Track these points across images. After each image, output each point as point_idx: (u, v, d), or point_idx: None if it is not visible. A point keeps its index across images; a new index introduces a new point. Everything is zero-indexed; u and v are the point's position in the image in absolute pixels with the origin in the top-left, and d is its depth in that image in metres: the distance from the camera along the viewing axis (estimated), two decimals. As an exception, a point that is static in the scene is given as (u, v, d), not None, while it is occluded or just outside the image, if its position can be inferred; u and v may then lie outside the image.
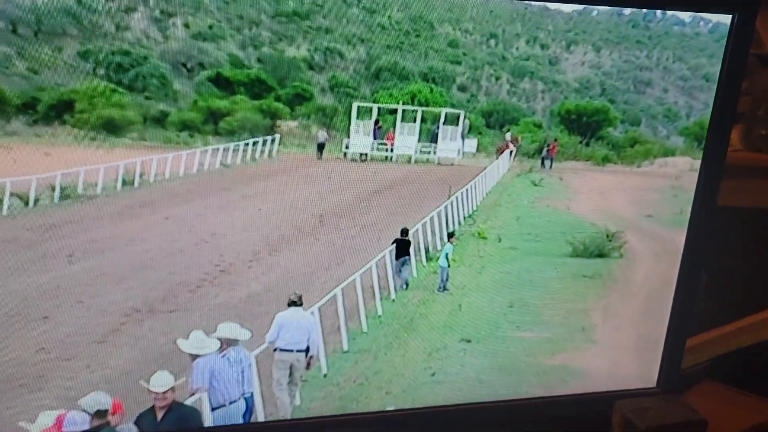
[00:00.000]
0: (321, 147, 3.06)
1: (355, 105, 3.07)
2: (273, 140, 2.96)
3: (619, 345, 1.85)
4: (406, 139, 3.19)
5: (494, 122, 3.56)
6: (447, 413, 1.53)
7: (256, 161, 2.91)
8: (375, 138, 3.14)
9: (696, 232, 1.47)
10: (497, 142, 3.38)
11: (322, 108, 3.21)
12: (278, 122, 3.06)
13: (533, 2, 3.49)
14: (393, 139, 3.15)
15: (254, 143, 2.88)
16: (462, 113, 3.29)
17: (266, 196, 2.66)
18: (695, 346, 1.66)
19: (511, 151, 3.36)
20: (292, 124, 3.12)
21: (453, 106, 3.50)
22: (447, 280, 2.40)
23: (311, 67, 3.27)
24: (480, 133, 3.48)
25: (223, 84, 3.01)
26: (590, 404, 1.55)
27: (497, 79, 3.71)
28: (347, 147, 3.11)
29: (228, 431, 1.57)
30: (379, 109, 3.19)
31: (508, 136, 3.40)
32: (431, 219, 2.74)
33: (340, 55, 3.36)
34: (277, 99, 3.07)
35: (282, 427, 1.58)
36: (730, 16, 1.34)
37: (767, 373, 1.72)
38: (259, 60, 3.11)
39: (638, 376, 1.58)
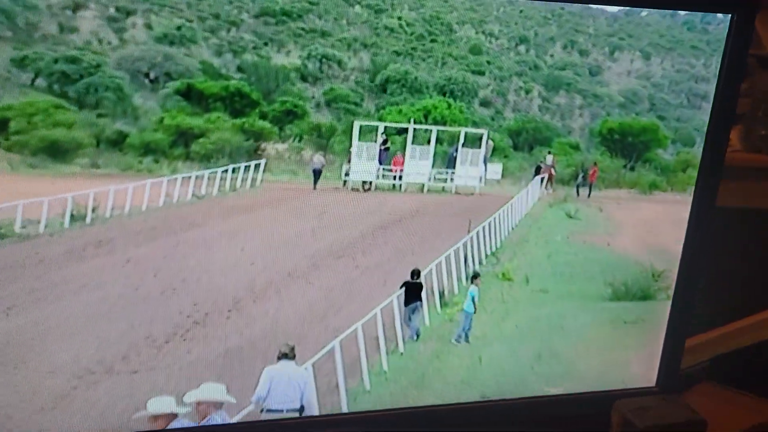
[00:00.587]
0: (317, 174, 3.25)
1: (356, 124, 3.24)
2: (257, 166, 3.16)
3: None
4: (417, 165, 3.38)
5: (523, 143, 3.76)
6: (446, 412, 1.82)
7: (237, 191, 3.10)
8: (381, 163, 3.33)
9: (695, 233, 1.77)
10: (541, 165, 3.57)
11: (317, 127, 3.44)
12: (264, 145, 3.28)
13: (552, 1, 3.62)
14: (402, 164, 3.34)
15: (234, 170, 3.06)
16: (485, 133, 3.49)
17: (249, 233, 2.80)
18: (695, 346, 1.99)
19: (542, 178, 3.55)
20: (281, 146, 3.35)
21: (475, 124, 3.73)
22: (470, 328, 2.59)
23: (304, 78, 3.50)
24: (506, 156, 3.67)
25: (195, 98, 3.20)
26: (590, 404, 1.85)
27: (527, 92, 3.95)
28: (347, 174, 3.29)
29: (228, 430, 1.77)
30: (385, 128, 3.39)
31: (549, 159, 3.59)
32: (447, 258, 2.90)
33: (339, 63, 3.60)
34: (263, 117, 3.31)
35: (286, 426, 1.83)
36: (730, 15, 1.63)
37: (767, 373, 2.07)
38: (239, 69, 3.34)
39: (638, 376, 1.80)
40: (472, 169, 3.43)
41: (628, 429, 1.69)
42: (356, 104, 3.62)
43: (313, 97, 3.53)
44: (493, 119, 3.84)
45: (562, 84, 3.93)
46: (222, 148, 3.08)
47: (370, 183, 3.35)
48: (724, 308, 2.12)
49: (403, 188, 3.39)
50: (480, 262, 3.07)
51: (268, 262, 2.75)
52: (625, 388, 1.96)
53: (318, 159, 3.27)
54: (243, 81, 3.29)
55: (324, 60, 3.59)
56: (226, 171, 3.03)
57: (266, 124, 3.29)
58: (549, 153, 3.59)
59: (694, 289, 1.86)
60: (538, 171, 3.52)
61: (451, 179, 3.44)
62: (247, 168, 3.12)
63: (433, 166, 3.41)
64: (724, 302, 2.09)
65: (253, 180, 3.15)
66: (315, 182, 3.23)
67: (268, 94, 3.34)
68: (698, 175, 1.79)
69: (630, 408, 1.72)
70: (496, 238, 3.16)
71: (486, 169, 3.44)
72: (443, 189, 3.44)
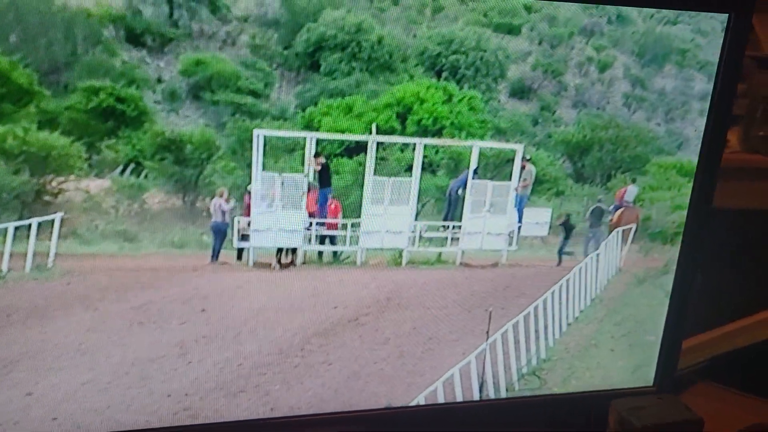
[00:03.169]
0: (219, 233, 2.31)
1: (258, 135, 2.27)
2: (44, 228, 2.12)
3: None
4: (387, 214, 2.43)
5: (593, 168, 2.71)
6: (442, 412, 2.11)
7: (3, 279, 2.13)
8: (318, 210, 2.43)
9: (692, 234, 2.16)
10: (602, 207, 2.67)
11: (171, 143, 2.28)
12: (56, 182, 2.16)
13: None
14: (338, 212, 2.46)
15: None
16: (519, 150, 2.54)
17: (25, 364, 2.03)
18: (691, 347, 2.46)
19: (624, 230, 2.68)
20: (95, 184, 2.21)
21: (499, 133, 2.63)
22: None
23: (134, 38, 2.25)
24: (559, 192, 2.66)
25: None
26: (586, 403, 2.19)
27: (603, 68, 2.80)
28: (243, 237, 2.32)
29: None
30: (319, 143, 2.42)
31: (631, 192, 2.67)
32: (444, 385, 2.31)
33: (213, 3, 2.30)
34: (47, 123, 2.12)
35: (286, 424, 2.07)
36: (727, 15, 1.97)
37: (763, 373, 2.52)
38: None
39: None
40: (494, 220, 2.50)
41: (625, 428, 1.92)
42: (255, 94, 2.40)
43: (160, 80, 2.31)
44: (535, 123, 2.69)
45: (671, 52, 2.65)
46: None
47: (292, 252, 2.39)
48: (721, 309, 2.56)
49: (359, 258, 2.45)
50: (508, 390, 2.40)
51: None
52: (622, 388, 2.24)
53: (219, 204, 2.31)
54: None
55: (179, -1, 2.62)
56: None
57: (56, 139, 2.11)
58: (632, 182, 2.63)
59: (690, 290, 2.17)
60: (599, 216, 2.62)
61: (454, 239, 2.53)
62: (20, 233, 2.08)
63: (417, 217, 2.47)
64: (721, 303, 2.53)
65: (39, 257, 2.11)
66: (215, 252, 2.31)
67: (54, 72, 2.12)
68: (695, 176, 2.12)
69: (627, 407, 1.97)
70: (538, 344, 2.48)
71: (521, 219, 2.54)
72: (439, 258, 2.53)
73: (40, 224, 2.12)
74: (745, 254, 2.56)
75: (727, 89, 2.04)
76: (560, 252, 2.71)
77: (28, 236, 2.11)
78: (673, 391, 2.29)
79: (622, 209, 2.71)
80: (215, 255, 2.35)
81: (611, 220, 2.74)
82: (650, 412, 2.00)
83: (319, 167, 2.43)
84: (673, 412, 2.02)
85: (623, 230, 2.70)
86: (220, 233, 2.35)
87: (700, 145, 2.44)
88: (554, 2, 2.61)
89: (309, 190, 2.40)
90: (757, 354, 2.57)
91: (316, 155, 2.42)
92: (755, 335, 2.58)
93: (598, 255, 2.63)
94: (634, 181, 2.72)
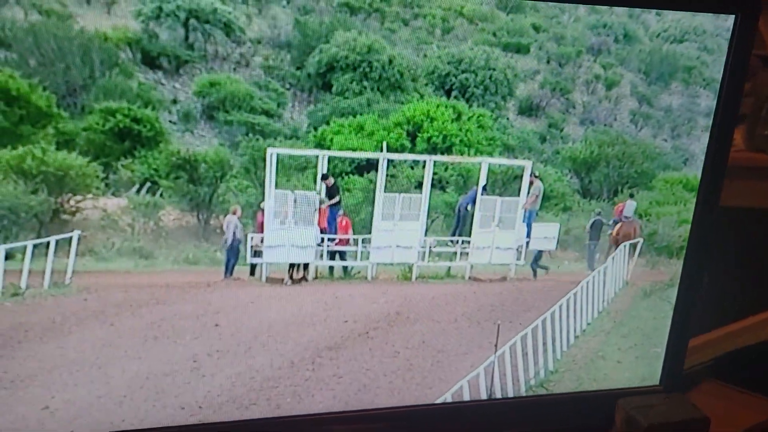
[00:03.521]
0: (234, 250, 2.39)
1: (271, 153, 2.30)
2: (62, 246, 2.15)
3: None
4: (397, 229, 2.49)
5: (600, 184, 2.79)
6: (447, 410, 2.17)
7: (21, 298, 2.14)
8: (328, 227, 2.50)
9: (698, 233, 2.19)
10: (602, 220, 2.75)
11: (185, 162, 2.34)
12: (74, 201, 2.21)
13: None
14: (347, 228, 2.52)
15: (9, 256, 2.11)
16: (528, 167, 2.57)
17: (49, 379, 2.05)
18: (698, 345, 2.49)
19: (631, 244, 2.75)
20: (113, 203, 2.29)
21: (507, 150, 2.74)
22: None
23: (149, 60, 2.38)
24: (566, 208, 2.75)
25: None
26: (593, 402, 2.25)
27: (610, 85, 2.86)
28: (256, 253, 2.38)
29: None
30: (330, 162, 2.48)
31: (629, 206, 2.74)
32: (453, 397, 2.36)
33: (227, 26, 2.42)
34: (65, 144, 2.17)
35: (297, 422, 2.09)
36: (733, 16, 2.01)
37: None
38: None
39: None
40: (503, 235, 2.56)
41: (632, 427, 1.97)
42: (268, 114, 2.51)
43: (176, 101, 2.43)
44: (543, 140, 2.79)
45: (677, 70, 2.75)
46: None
47: (305, 267, 2.46)
48: (727, 308, 2.59)
49: (370, 273, 2.51)
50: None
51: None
52: (628, 387, 2.30)
53: (233, 222, 2.38)
54: (9, 66, 2.17)
55: (193, 19, 2.42)
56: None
57: (74, 159, 2.16)
58: (631, 197, 2.75)
59: (696, 289, 2.25)
60: (599, 229, 2.71)
61: (463, 253, 2.60)
62: (39, 251, 2.15)
63: (427, 232, 2.53)
64: (727, 302, 2.56)
65: (56, 275, 2.16)
66: (228, 268, 2.38)
67: (71, 95, 2.20)
68: (702, 175, 2.16)
69: (634, 406, 2.02)
70: (546, 356, 2.52)
71: (529, 234, 2.60)
72: (448, 272, 2.59)
73: (58, 242, 2.18)
74: (750, 253, 2.55)
75: (733, 89, 2.06)
76: (534, 265, 2.69)
77: (46, 254, 2.17)
78: (679, 390, 2.31)
79: (620, 223, 2.72)
80: (228, 270, 2.38)
81: (611, 233, 2.75)
82: (657, 410, 2.03)
83: (328, 187, 2.46)
84: (680, 411, 2.04)
85: (630, 244, 2.70)
86: (234, 250, 2.39)
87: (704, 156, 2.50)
88: (561, 23, 2.72)
89: (320, 206, 2.43)
90: (763, 353, 2.60)
91: (324, 177, 2.44)
92: (761, 334, 2.61)
93: (605, 269, 2.64)
94: (632, 196, 2.76)
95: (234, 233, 2.40)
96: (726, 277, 2.42)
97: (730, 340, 2.58)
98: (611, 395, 2.21)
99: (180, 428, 2.05)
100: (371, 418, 2.17)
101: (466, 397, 2.44)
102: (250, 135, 2.41)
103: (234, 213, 2.40)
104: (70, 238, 2.21)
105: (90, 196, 2.24)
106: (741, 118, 2.20)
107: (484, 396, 2.42)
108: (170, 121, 2.42)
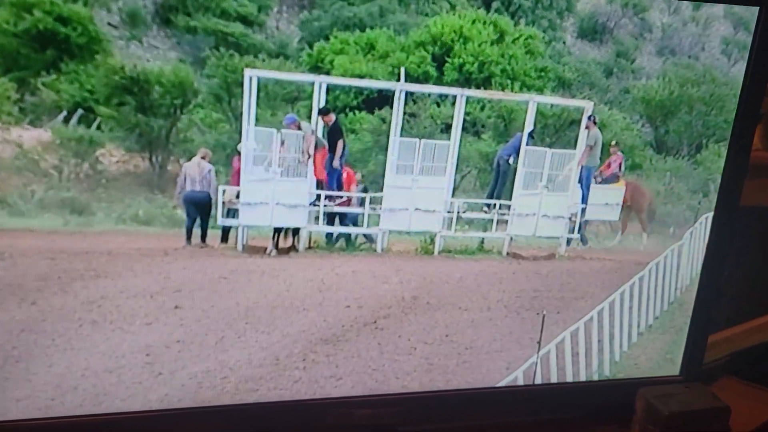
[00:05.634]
0: (197, 206, 2.16)
1: (249, 75, 2.05)
2: None
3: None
4: (417, 187, 2.30)
5: (678, 135, 2.55)
6: (466, 397, 2.21)
7: None
8: (329, 181, 2.31)
9: (718, 232, 2.29)
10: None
11: (132, 83, 2.06)
12: None
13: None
14: (352, 183, 2.35)
15: None
16: (588, 108, 2.35)
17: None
18: (714, 342, 2.62)
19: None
20: (31, 135, 2.01)
21: (563, 85, 2.48)
22: None
23: None
24: (635, 165, 2.54)
25: None
26: (613, 390, 2.39)
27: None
28: (229, 213, 2.16)
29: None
30: (329, 91, 2.28)
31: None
32: None
33: None
34: None
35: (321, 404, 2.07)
36: (757, 8, 2.10)
37: None
38: None
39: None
40: (553, 198, 2.35)
41: (653, 415, 2.09)
42: (246, 21, 2.23)
43: None
44: (609, 74, 2.52)
45: None
46: None
47: (294, 234, 2.23)
48: (744, 305, 2.77)
49: (379, 244, 2.31)
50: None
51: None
52: (649, 377, 2.40)
53: (199, 166, 2.11)
54: None
55: None
56: None
57: None
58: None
59: (716, 286, 2.35)
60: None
61: (501, 222, 2.38)
62: None
63: (455, 192, 2.30)
64: (745, 299, 2.76)
65: None
66: (188, 233, 2.11)
67: None
68: (723, 173, 2.24)
69: (654, 394, 2.14)
70: (602, 358, 2.42)
71: (586, 198, 2.38)
72: (480, 247, 2.38)
73: None
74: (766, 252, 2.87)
75: (757, 84, 2.16)
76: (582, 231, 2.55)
77: None
78: (700, 380, 2.47)
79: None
80: (190, 235, 2.13)
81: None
82: (678, 399, 2.16)
83: (328, 126, 2.25)
84: (700, 400, 2.18)
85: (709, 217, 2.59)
86: (199, 207, 2.14)
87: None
88: None
89: (317, 149, 2.21)
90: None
91: (324, 112, 2.20)
92: (778, 331, 3.15)
93: (680, 247, 2.48)
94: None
95: (202, 183, 2.12)
96: (743, 274, 2.66)
97: (748, 336, 2.82)
98: (632, 384, 2.32)
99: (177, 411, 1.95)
100: (389, 404, 2.15)
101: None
102: (222, 49, 2.12)
103: (203, 158, 2.11)
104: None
105: (-2, 124, 2.12)
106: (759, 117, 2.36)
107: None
108: (110, 24, 2.08)
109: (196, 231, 2.17)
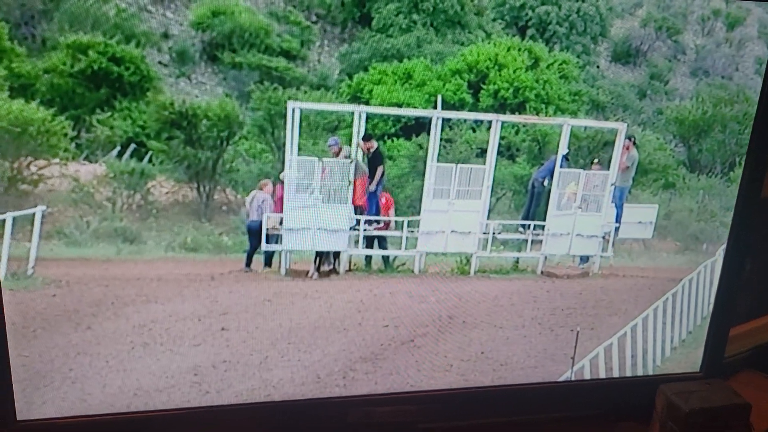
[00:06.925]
0: (254, 233, 2.23)
1: (292, 107, 2.14)
2: (20, 224, 1.97)
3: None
4: (453, 210, 2.35)
5: (712, 154, 2.56)
6: (485, 394, 2.23)
7: None
8: (369, 206, 2.35)
9: (740, 225, 2.31)
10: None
11: (180, 117, 2.12)
12: (35, 167, 2.02)
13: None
14: (389, 207, 2.39)
15: None
16: (621, 130, 2.41)
17: None
18: (735, 336, 2.62)
19: None
20: (86, 169, 2.08)
21: (596, 108, 2.55)
22: None
23: None
24: (668, 184, 2.55)
25: None
26: (634, 387, 2.42)
27: (732, 24, 2.66)
28: (272, 238, 2.22)
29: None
30: (368, 120, 2.30)
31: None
32: None
33: None
34: (21, 90, 1.96)
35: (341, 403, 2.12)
36: None
37: None
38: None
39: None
40: (586, 218, 2.40)
41: (673, 411, 2.13)
42: (289, 56, 2.32)
43: (167, 35, 2.20)
44: (642, 95, 2.54)
45: None
46: None
47: (335, 257, 2.30)
48: (765, 299, 2.80)
49: (416, 265, 2.35)
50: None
51: None
52: (669, 373, 2.43)
53: (261, 198, 2.20)
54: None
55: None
56: None
57: (33, 111, 1.95)
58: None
59: (737, 279, 2.37)
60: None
61: (535, 242, 2.44)
62: None
63: (490, 214, 2.36)
64: (765, 293, 2.77)
65: (15, 263, 1.94)
66: (248, 258, 2.19)
67: (28, 23, 1.95)
68: (744, 166, 2.26)
69: (675, 391, 2.16)
70: (635, 373, 2.48)
71: (619, 219, 2.41)
72: (515, 266, 2.46)
73: (15, 220, 1.95)
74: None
75: None
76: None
77: (1, 235, 1.93)
78: (720, 376, 2.45)
79: None
80: (249, 261, 2.21)
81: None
82: (698, 396, 2.17)
83: (369, 152, 2.31)
84: (721, 397, 2.18)
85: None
86: (254, 234, 2.20)
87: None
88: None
89: (357, 175, 2.26)
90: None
91: (366, 138, 2.26)
92: (803, 324, 3.16)
93: (713, 263, 2.49)
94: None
95: (254, 212, 2.21)
96: (763, 268, 2.63)
97: (769, 331, 3.13)
98: (652, 381, 2.36)
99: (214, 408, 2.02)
100: (412, 401, 2.17)
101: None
102: (266, 83, 2.20)
103: (262, 188, 2.20)
104: (32, 216, 1.99)
105: (56, 160, 2.05)
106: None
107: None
108: (160, 62, 2.22)
109: (257, 257, 2.24)
